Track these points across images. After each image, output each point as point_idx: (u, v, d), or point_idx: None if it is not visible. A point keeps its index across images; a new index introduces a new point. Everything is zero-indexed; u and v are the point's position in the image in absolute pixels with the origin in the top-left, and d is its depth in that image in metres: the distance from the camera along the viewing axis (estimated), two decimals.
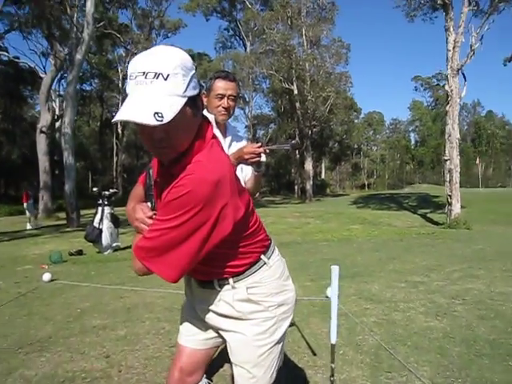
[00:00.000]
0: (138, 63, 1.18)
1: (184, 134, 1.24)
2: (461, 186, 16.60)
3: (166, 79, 1.15)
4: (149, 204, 1.43)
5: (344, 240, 10.32)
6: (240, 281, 1.44)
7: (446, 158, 16.17)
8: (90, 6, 15.68)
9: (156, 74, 1.15)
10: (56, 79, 26.40)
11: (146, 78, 1.15)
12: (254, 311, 1.45)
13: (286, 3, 35.19)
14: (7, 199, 31.62)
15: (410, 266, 6.60)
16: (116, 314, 4.38)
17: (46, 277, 5.94)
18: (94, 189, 9.37)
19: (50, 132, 22.84)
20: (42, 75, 22.64)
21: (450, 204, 16.07)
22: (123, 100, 1.20)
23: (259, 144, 2.10)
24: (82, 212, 17.14)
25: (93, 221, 8.50)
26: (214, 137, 1.35)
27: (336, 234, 11.32)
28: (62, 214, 18.10)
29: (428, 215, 20.51)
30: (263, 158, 2.12)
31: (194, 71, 1.24)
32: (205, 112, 2.48)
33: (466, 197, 19.49)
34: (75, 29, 16.96)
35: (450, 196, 16.03)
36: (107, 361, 3.18)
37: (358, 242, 9.96)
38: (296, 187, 47.37)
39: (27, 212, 16.15)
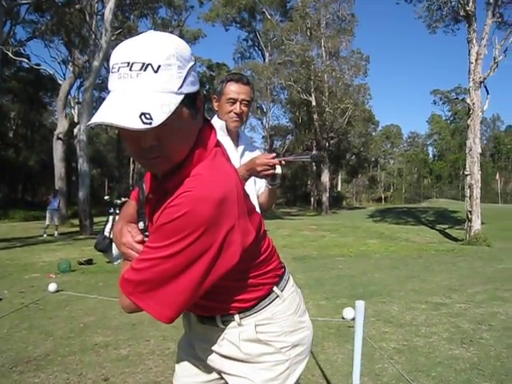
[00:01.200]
0: (122, 52, 0.94)
1: (180, 141, 1.00)
2: (480, 202, 16.10)
3: (156, 71, 0.91)
4: (141, 224, 1.19)
5: (361, 255, 10.01)
6: (248, 317, 1.19)
7: (466, 172, 15.73)
8: (108, 14, 15.73)
9: (144, 64, 0.91)
10: (76, 86, 26.72)
11: (131, 70, 0.91)
12: (264, 353, 1.20)
13: (305, 14, 35.20)
14: (23, 204, 31.89)
15: (430, 286, 6.30)
16: (120, 331, 4.17)
17: (52, 287, 5.75)
18: (106, 197, 9.22)
19: (67, 139, 22.96)
20: (60, 82, 22.80)
21: (469, 220, 15.60)
22: None
23: (273, 155, 1.86)
24: (97, 219, 17.06)
25: (103, 230, 8.32)
26: (218, 145, 1.11)
27: (353, 249, 11.00)
28: (77, 221, 18.04)
29: (446, 231, 20.00)
30: (278, 170, 1.88)
31: (192, 63, 1.00)
32: (215, 118, 2.26)
33: (486, 213, 18.94)
34: (93, 36, 17.02)
35: (470, 212, 15.57)
36: None
37: (376, 257, 9.64)
38: (312, 199, 46.93)
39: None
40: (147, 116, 0.88)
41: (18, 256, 9.61)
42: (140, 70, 0.91)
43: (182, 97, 0.95)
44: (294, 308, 1.28)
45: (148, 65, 0.91)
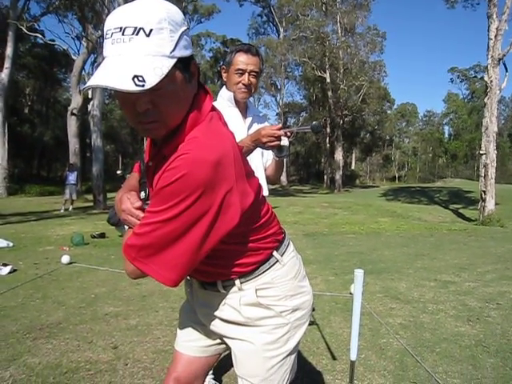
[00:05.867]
0: (115, 18, 0.96)
1: (175, 105, 1.02)
2: (495, 182, 15.89)
3: (148, 35, 0.93)
4: (142, 194, 1.22)
5: (372, 233, 10.00)
6: (248, 282, 1.22)
7: (482, 152, 15.50)
8: None
9: (136, 28, 0.93)
10: (90, 62, 26.63)
11: (123, 34, 0.93)
12: (264, 317, 1.23)
13: None
14: (39, 180, 32.33)
15: (439, 264, 6.28)
16: (130, 302, 4.25)
17: (65, 259, 5.89)
18: (118, 171, 9.23)
19: (82, 114, 23.05)
20: (74, 58, 22.79)
21: (483, 200, 15.43)
22: None
23: (279, 126, 1.86)
24: (110, 195, 17.22)
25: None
26: (214, 109, 1.13)
27: (364, 227, 10.98)
28: (91, 196, 18.24)
29: (460, 211, 19.87)
30: (284, 141, 1.88)
31: (185, 27, 1.01)
32: (223, 89, 2.26)
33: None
34: (107, 11, 16.87)
35: (484, 192, 15.39)
36: (114, 352, 3.03)
37: (386, 235, 9.62)
38: (325, 177, 46.69)
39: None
40: (140, 78, 0.89)
41: (32, 229, 9.78)
42: (132, 34, 0.93)
43: (174, 60, 0.97)
44: (294, 273, 1.30)
45: (140, 29, 0.93)
